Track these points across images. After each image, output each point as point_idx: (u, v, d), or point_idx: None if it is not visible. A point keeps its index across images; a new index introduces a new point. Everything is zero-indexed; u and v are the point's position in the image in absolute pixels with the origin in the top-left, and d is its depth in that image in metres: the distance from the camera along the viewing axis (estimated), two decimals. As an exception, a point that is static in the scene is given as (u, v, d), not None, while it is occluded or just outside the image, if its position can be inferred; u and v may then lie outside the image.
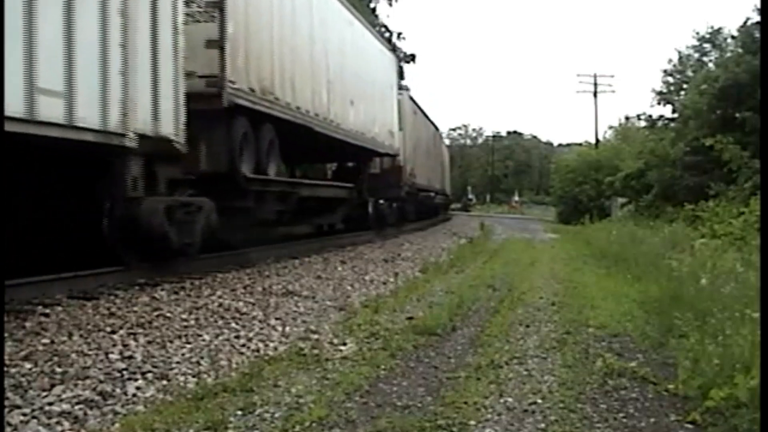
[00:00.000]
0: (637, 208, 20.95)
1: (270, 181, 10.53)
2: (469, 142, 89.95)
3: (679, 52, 28.23)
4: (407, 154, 20.49)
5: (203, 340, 4.79)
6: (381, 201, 17.58)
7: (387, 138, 17.56)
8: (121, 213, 6.67)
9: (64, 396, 3.39)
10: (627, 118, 40.71)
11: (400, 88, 21.04)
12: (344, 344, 4.74)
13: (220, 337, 4.90)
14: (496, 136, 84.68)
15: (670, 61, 28.93)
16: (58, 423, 3.08)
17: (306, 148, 13.69)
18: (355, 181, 16.05)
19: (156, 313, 5.51)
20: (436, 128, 30.88)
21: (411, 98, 22.47)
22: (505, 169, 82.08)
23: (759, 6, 15.63)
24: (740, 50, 17.63)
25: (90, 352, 4.20)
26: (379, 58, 17.35)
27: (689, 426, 3.12)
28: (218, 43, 8.48)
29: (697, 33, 27.53)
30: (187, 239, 7.61)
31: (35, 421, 3.07)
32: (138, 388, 3.64)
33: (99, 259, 6.81)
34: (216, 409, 3.26)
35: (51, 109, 5.37)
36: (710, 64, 24.28)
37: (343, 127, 13.77)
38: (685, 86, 25.16)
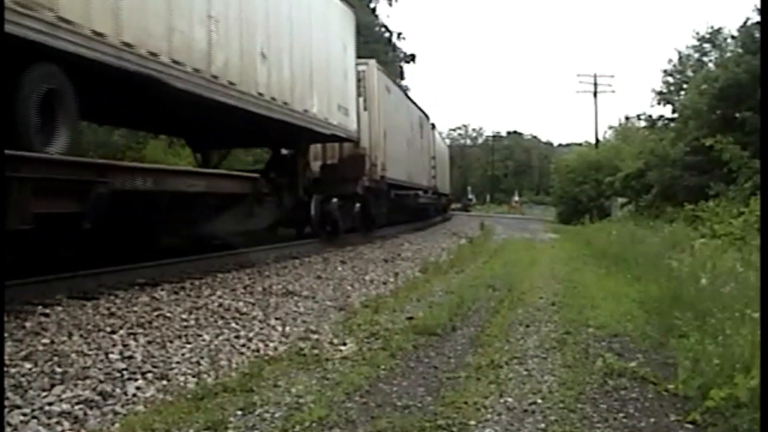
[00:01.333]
0: (637, 208, 20.96)
1: (29, 161, 5.29)
2: (469, 142, 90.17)
3: (679, 52, 28.37)
4: (374, 140, 16.19)
5: (203, 340, 4.80)
6: (334, 200, 13.90)
7: (336, 116, 13.15)
8: None
9: (64, 396, 3.39)
10: (627, 118, 40.87)
11: (361, 56, 15.87)
12: (344, 344, 4.75)
13: (220, 337, 4.90)
14: (496, 136, 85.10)
15: (670, 61, 29.09)
16: (58, 423, 3.08)
17: (178, 118, 9.77)
18: (291, 172, 12.75)
19: (156, 313, 5.51)
20: (426, 115, 25.74)
21: (382, 70, 17.50)
22: (505, 169, 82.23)
23: (759, 6, 15.68)
24: (740, 50, 17.66)
25: (90, 352, 4.21)
26: (322, 3, 12.33)
27: (689, 426, 3.12)
28: None
29: (697, 33, 27.73)
30: None
31: (35, 421, 3.07)
32: (138, 388, 3.64)
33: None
34: (216, 409, 3.26)
35: None
36: (710, 64, 24.35)
37: (241, 89, 9.07)
38: (685, 86, 25.18)
